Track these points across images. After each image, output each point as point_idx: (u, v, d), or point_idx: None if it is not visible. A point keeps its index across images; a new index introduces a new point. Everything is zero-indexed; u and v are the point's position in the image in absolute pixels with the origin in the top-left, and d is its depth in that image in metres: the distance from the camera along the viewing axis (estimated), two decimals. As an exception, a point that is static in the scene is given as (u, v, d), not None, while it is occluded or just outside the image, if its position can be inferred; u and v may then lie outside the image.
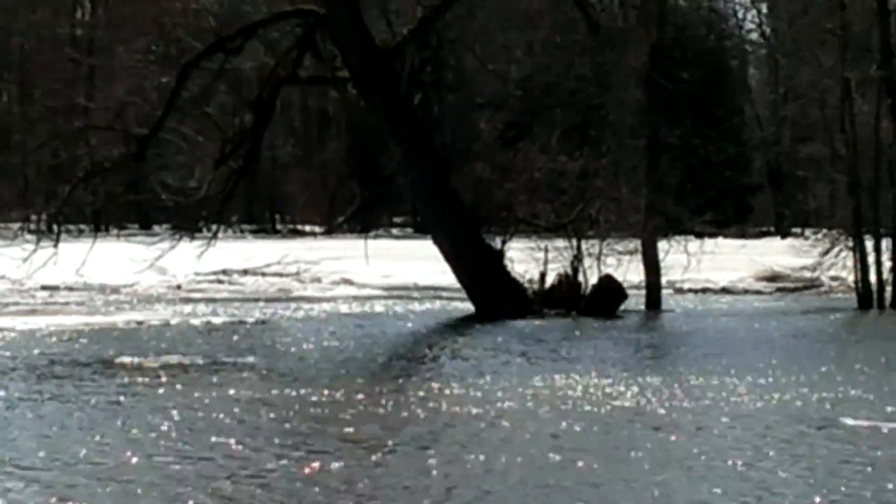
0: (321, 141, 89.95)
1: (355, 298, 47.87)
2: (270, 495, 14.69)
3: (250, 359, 29.60)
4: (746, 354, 29.90)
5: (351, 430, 20.06)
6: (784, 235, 70.58)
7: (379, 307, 44.42)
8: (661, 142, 41.07)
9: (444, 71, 58.66)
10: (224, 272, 52.98)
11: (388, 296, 49.34)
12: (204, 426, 20.09)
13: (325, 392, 24.14)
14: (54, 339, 33.32)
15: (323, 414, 21.49)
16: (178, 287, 49.85)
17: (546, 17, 61.19)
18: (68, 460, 16.90)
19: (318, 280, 52.84)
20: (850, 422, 20.18)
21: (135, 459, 17.02)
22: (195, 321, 37.91)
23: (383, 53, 40.40)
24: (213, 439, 18.64)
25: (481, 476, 16.35)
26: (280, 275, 53.76)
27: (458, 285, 43.63)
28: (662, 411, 21.74)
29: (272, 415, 21.18)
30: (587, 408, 22.42)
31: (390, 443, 18.55)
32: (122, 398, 23.24)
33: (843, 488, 14.75)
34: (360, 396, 23.64)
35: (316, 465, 16.39)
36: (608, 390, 24.11)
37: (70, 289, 48.03)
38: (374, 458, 17.91)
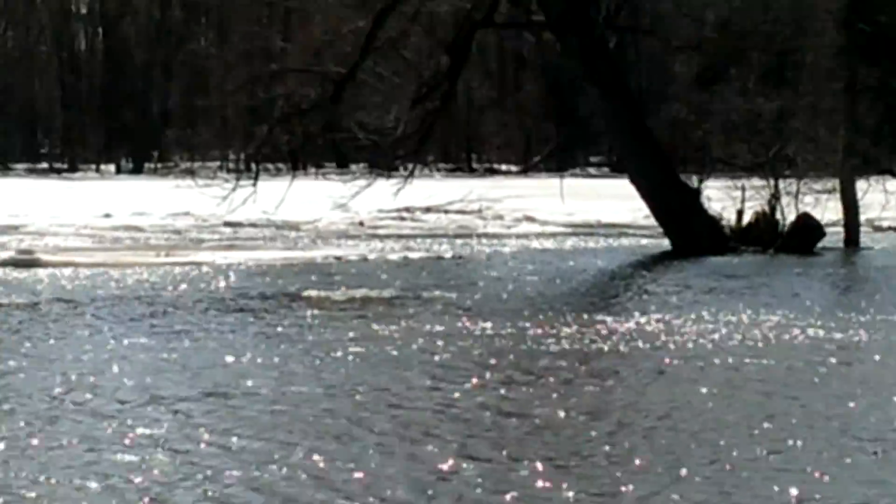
0: (517, 83, 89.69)
1: (538, 235, 47.75)
2: (455, 426, 14.88)
3: (437, 293, 29.91)
4: None
5: (537, 362, 20.22)
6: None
7: (569, 243, 44.44)
8: (858, 84, 40.58)
9: (639, 15, 58.20)
10: (407, 209, 53.37)
11: (572, 233, 49.26)
12: (387, 358, 20.37)
13: (513, 325, 24.21)
14: (250, 273, 34.30)
15: (508, 347, 21.44)
16: (361, 224, 50.47)
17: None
18: (247, 390, 17.33)
19: (501, 217, 52.85)
20: None
21: (318, 390, 17.45)
22: (392, 256, 38.48)
23: (579, -2, 42.74)
24: (396, 372, 18.93)
25: (661, 407, 16.54)
26: (462, 212, 54.09)
27: (641, 223, 44.51)
28: (857, 347, 21.72)
29: (454, 347, 21.18)
30: (779, 343, 22.30)
31: (571, 376, 18.69)
32: (307, 331, 23.72)
33: None
34: (548, 330, 23.49)
35: (501, 391, 16.68)
36: (803, 326, 23.73)
37: (253, 225, 48.94)
38: (560, 391, 18.02)
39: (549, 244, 44.08)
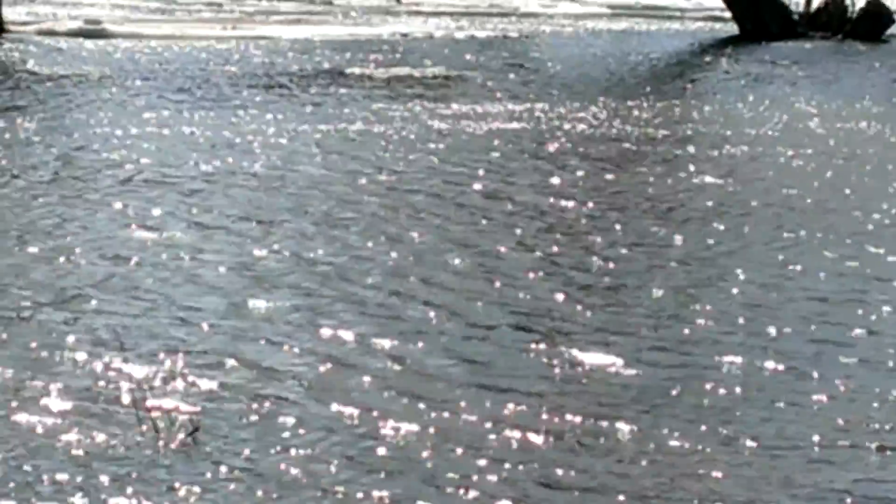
0: None
1: (577, 17, 46.21)
2: (444, 210, 14.78)
3: (475, 72, 29.59)
4: None
5: (594, 148, 20.08)
6: None
7: (622, 25, 43.52)
8: None
9: None
10: None
11: (612, 14, 47.63)
12: (407, 138, 20.32)
13: (570, 107, 23.78)
14: (309, 48, 33.65)
15: (554, 128, 21.19)
16: (399, 1, 49.99)
17: None
18: (251, 171, 17.39)
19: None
20: None
21: (321, 171, 17.68)
22: (459, 35, 37.65)
23: None
24: (409, 154, 18.76)
25: (713, 192, 16.70)
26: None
27: (691, 6, 45.04)
28: None
29: (487, 129, 20.91)
30: (838, 131, 22.62)
31: (632, 162, 18.69)
32: (338, 109, 23.57)
33: None
34: (605, 113, 23.27)
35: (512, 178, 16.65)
36: (863, 116, 24.05)
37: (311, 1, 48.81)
38: (608, 176, 17.98)
39: (601, 25, 42.81)
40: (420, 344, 10.19)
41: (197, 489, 7.48)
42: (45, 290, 11.88)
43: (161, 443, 8.19)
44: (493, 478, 7.40)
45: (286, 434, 8.46)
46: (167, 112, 22.96)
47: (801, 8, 40.33)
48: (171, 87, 26.72)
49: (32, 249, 13.36)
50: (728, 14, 43.06)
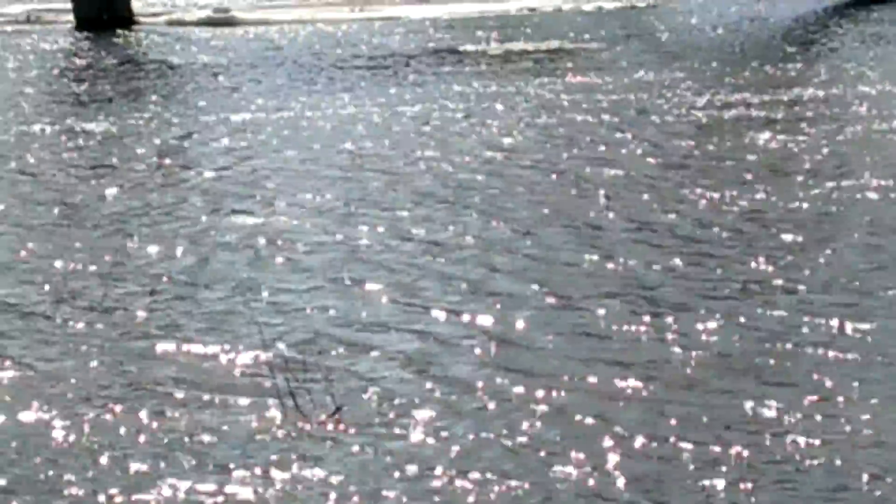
0: None
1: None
2: (455, 192, 14.71)
3: (594, 45, 29.42)
4: None
5: (706, 115, 19.88)
6: None
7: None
8: None
9: None
10: None
11: None
12: (514, 114, 20.44)
13: (669, 76, 23.69)
14: (436, 26, 33.79)
15: (662, 97, 21.20)
16: None
17: None
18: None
19: None
20: None
21: (369, 144, 18.06)
22: (587, 7, 36.92)
23: None
24: (521, 131, 18.84)
25: (830, 151, 16.86)
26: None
27: None
28: None
29: (593, 101, 20.73)
30: None
31: (748, 128, 18.49)
32: (456, 85, 23.82)
33: None
34: (723, 80, 23.17)
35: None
36: None
37: None
38: (717, 142, 18.02)
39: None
40: (522, 318, 10.09)
41: (341, 464, 7.76)
42: (158, 275, 12.07)
43: (306, 424, 8.38)
44: (615, 457, 7.34)
45: (414, 412, 8.53)
46: (283, 96, 23.47)
47: None
48: (291, 71, 27.20)
49: (151, 230, 13.65)
50: None
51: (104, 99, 24.55)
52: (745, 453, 7.68)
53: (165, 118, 21.93)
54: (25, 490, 7.26)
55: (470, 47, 29.57)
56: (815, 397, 8.66)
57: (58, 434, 8.09)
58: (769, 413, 8.43)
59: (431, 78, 25.88)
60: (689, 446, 7.67)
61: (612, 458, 7.53)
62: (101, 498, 7.43)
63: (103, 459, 8.06)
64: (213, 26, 34.63)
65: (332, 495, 7.49)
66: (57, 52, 31.57)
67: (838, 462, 7.64)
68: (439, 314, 10.81)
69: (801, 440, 8.03)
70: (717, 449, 7.72)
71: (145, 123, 20.99)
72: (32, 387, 8.65)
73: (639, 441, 7.74)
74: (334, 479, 7.70)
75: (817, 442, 7.94)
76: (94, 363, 9.73)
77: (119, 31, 33.47)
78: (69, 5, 35.77)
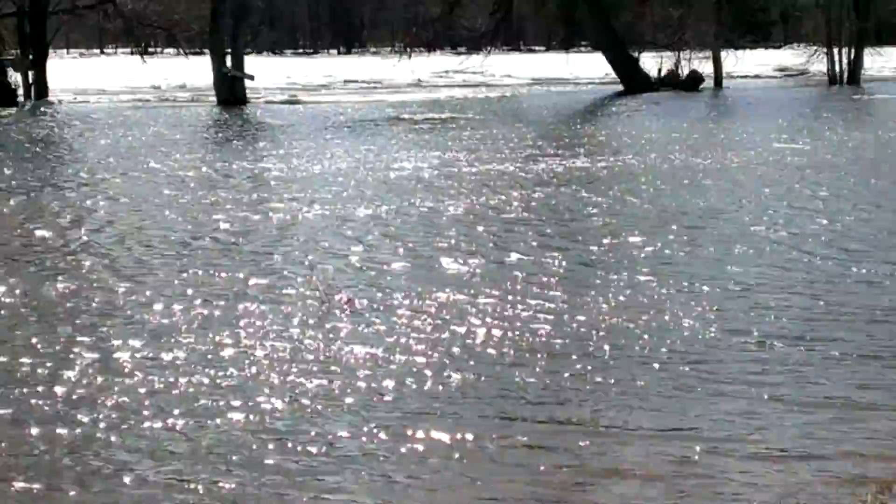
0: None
1: (515, 85, 56.12)
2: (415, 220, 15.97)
3: (475, 115, 35.75)
4: (748, 108, 38.34)
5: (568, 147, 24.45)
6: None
7: (557, 88, 53.89)
8: (722, 7, 51.15)
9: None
10: (445, 72, 60.55)
11: (534, 82, 58.57)
12: (420, 147, 24.85)
13: (522, 133, 28.49)
14: (400, 105, 41.80)
15: (520, 147, 25.07)
16: (419, 81, 57.62)
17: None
18: (381, 176, 20.73)
19: (493, 75, 59.10)
20: (777, 144, 25.44)
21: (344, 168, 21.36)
22: (480, 96, 47.56)
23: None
24: (398, 162, 22.36)
25: (614, 175, 20.49)
26: (474, 72, 56.98)
27: (573, 77, 55.04)
28: (712, 135, 28.40)
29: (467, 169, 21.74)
30: (672, 132, 28.82)
31: (570, 155, 23.01)
32: (391, 138, 28.30)
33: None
34: (546, 134, 28.14)
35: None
36: (686, 125, 30.52)
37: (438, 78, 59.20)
38: (547, 166, 22.52)
39: (534, 89, 51.84)
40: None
41: (355, 331, 9.93)
42: (240, 247, 14.10)
43: (326, 307, 10.58)
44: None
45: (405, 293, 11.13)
46: (332, 144, 27.12)
47: (656, 75, 51.01)
48: (323, 126, 32.42)
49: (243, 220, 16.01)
50: (612, 78, 52.43)
51: (232, 143, 28.73)
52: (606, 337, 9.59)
53: (271, 153, 25.50)
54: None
55: (416, 116, 35.92)
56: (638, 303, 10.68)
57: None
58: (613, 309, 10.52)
59: (391, 131, 30.89)
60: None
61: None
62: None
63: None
64: (289, 104, 44.33)
65: (349, 349, 9.40)
66: (207, 115, 38.17)
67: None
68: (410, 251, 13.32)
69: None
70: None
71: (245, 161, 23.94)
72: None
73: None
74: (351, 340, 9.64)
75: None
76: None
77: (240, 107, 41.09)
78: (213, 92, 44.12)
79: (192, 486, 6.66)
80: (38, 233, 15.15)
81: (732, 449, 7.11)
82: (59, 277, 12.15)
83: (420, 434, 7.38)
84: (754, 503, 6.39)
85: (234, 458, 7.04)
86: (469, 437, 7.33)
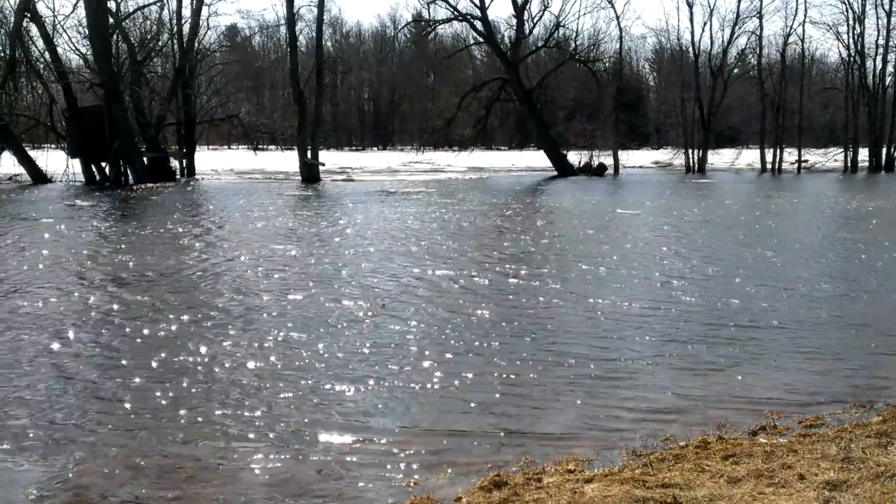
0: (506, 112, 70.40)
1: (459, 171, 48.30)
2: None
3: (427, 188, 32.33)
4: (635, 185, 36.69)
5: (484, 221, 20.27)
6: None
7: (501, 174, 47.47)
8: (619, 120, 49.50)
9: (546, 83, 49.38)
10: (415, 162, 53.92)
11: (472, 168, 51.63)
12: (388, 220, 20.19)
13: (466, 207, 24.39)
14: (412, 183, 37.22)
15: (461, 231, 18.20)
16: (393, 168, 51.18)
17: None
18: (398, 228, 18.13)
19: (424, 166, 51.69)
20: (621, 210, 22.52)
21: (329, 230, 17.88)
22: (465, 178, 41.92)
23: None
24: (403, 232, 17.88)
25: (540, 228, 17.66)
26: (429, 163, 52.75)
27: (506, 166, 50.65)
28: (615, 207, 24.73)
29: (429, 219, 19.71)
30: (598, 196, 27.00)
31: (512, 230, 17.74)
32: (381, 206, 25.21)
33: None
34: (485, 210, 23.37)
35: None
36: (594, 201, 26.64)
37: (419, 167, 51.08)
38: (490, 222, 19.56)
39: (474, 175, 45.68)
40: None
41: (384, 329, 8.52)
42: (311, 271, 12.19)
43: (368, 310, 9.25)
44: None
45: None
46: (370, 206, 24.71)
47: (577, 164, 48.50)
48: (364, 195, 29.89)
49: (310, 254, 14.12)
50: (542, 166, 49.41)
51: (310, 208, 25.30)
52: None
53: (322, 217, 22.01)
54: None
55: (421, 190, 32.69)
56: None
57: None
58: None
59: (405, 201, 27.29)
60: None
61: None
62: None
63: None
64: (346, 181, 40.86)
65: (380, 346, 8.01)
66: (295, 189, 34.02)
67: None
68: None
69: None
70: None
71: (316, 219, 21.25)
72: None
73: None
74: (383, 337, 8.34)
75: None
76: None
77: (315, 184, 38.02)
78: (299, 174, 40.99)
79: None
80: (181, 257, 14.19)
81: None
82: (201, 286, 11.39)
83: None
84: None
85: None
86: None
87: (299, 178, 40.63)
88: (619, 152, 49.20)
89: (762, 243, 15.30)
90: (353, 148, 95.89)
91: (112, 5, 38.27)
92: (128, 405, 6.35)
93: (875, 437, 5.29)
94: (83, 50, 40.41)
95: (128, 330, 8.68)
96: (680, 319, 9.10)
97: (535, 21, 47.06)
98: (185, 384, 6.85)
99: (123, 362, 7.55)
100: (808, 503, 4.28)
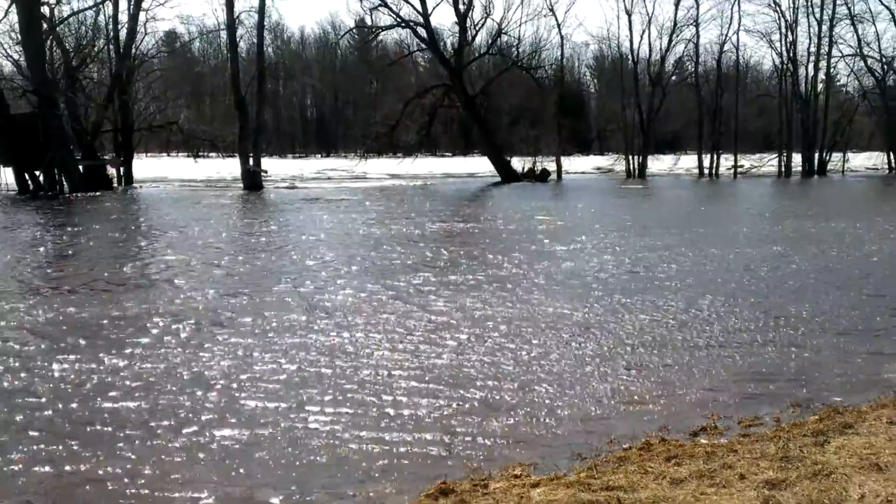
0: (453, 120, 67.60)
1: (391, 186, 43.07)
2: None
3: (373, 199, 30.99)
4: (578, 192, 36.02)
5: (443, 221, 20.94)
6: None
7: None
8: (562, 126, 49.03)
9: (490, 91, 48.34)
10: (349, 170, 51.77)
11: (394, 177, 49.63)
12: (339, 229, 19.19)
13: (419, 210, 24.59)
14: (348, 191, 36.51)
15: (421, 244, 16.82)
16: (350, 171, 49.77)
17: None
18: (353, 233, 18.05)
19: (365, 175, 49.80)
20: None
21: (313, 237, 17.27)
22: (397, 185, 41.48)
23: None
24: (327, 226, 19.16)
25: (488, 231, 17.95)
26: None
27: (489, 172, 48.53)
28: (562, 210, 24.76)
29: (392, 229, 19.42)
30: (514, 213, 24.51)
31: (460, 252, 15.19)
32: (322, 212, 24.78)
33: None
34: (435, 219, 22.25)
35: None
36: (538, 205, 26.98)
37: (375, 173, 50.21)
38: (444, 226, 19.47)
39: (431, 183, 44.48)
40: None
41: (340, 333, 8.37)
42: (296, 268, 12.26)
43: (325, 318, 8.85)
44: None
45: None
46: (323, 214, 23.95)
47: (521, 171, 46.74)
48: (322, 204, 28.78)
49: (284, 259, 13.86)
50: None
51: (256, 217, 24.43)
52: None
53: (277, 223, 22.04)
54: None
55: (330, 197, 31.96)
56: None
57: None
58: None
59: (340, 204, 27.75)
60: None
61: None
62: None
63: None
64: (289, 189, 39.69)
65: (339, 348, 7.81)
66: (235, 198, 33.31)
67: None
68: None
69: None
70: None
71: (273, 226, 20.99)
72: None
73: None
74: (320, 345, 8.02)
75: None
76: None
77: (259, 191, 37.29)
78: (241, 181, 39.73)
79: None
80: (116, 267, 14.09)
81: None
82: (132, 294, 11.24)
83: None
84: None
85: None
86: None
87: (241, 186, 40.06)
88: (563, 158, 49.13)
89: (720, 244, 16.00)
90: (297, 155, 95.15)
91: (46, 10, 37.57)
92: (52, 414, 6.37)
93: (812, 436, 5.38)
94: (15, 56, 39.56)
95: (61, 343, 8.69)
96: (627, 323, 9.18)
97: (477, 28, 46.74)
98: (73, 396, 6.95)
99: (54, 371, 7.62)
100: (749, 502, 4.31)
